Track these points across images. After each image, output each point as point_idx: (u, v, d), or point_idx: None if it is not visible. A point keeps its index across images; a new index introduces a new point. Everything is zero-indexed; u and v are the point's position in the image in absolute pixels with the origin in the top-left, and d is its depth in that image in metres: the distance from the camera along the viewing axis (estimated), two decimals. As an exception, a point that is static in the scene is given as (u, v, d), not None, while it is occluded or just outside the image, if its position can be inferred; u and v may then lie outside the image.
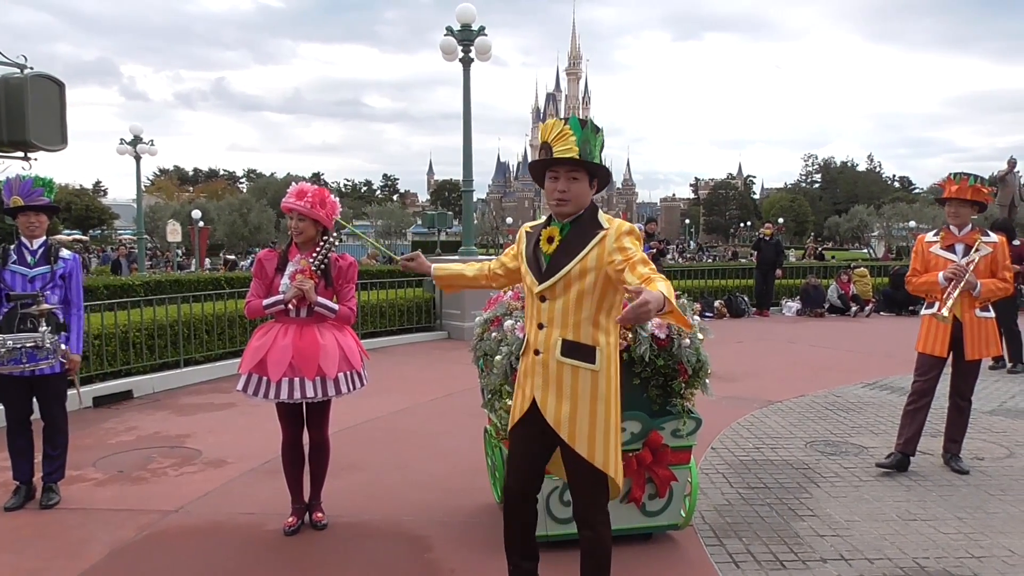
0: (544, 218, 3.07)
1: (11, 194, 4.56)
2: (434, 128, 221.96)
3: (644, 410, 3.90)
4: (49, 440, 4.78)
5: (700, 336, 3.95)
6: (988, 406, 7.20)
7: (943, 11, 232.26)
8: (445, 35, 12.59)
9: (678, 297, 4.03)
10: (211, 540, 4.20)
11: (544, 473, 3.10)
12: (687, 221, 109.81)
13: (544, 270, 2.89)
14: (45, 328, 4.43)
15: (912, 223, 51.05)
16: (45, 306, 4.47)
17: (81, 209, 53.29)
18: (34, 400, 4.75)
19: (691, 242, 66.07)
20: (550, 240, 2.90)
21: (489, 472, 4.75)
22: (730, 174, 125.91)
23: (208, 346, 8.97)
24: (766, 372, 9.09)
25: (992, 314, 5.17)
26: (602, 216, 2.91)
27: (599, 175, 2.89)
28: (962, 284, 4.89)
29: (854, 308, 15.42)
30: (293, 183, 4.25)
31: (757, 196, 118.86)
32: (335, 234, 4.20)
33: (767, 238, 15.98)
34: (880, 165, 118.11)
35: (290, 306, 4.07)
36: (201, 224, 34.38)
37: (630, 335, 3.77)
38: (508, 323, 3.91)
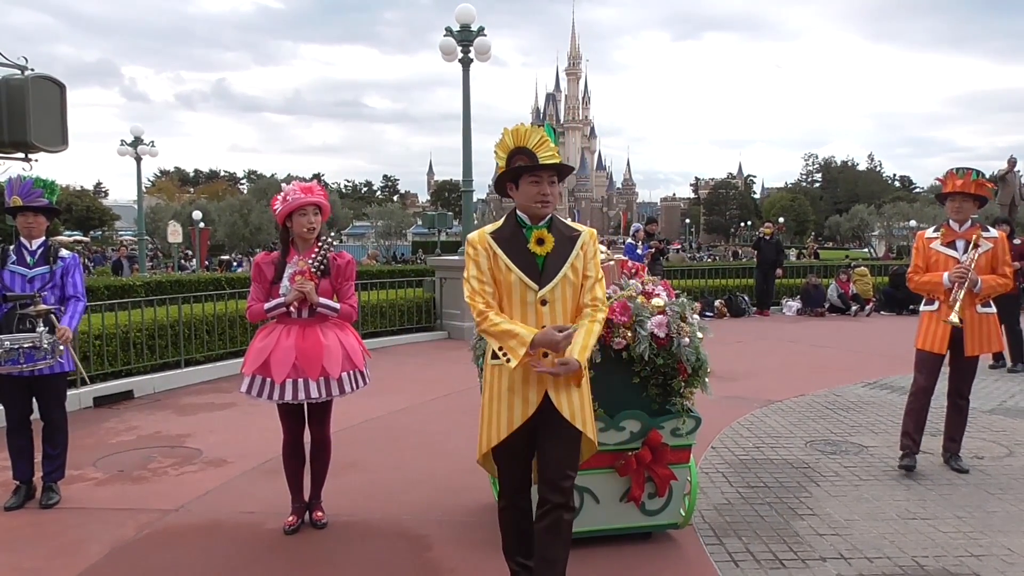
0: (501, 222, 3.12)
1: (11, 194, 4.58)
2: (434, 129, 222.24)
3: (643, 409, 3.91)
4: (49, 440, 4.78)
5: (700, 335, 3.96)
6: (988, 405, 7.20)
7: (943, 10, 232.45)
8: (445, 36, 12.60)
9: (678, 296, 4.06)
10: (211, 539, 4.21)
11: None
12: (687, 221, 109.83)
13: (542, 273, 2.97)
14: (43, 329, 4.43)
15: (912, 222, 51.06)
16: (43, 307, 4.48)
17: (82, 210, 53.37)
18: (34, 400, 4.76)
19: (690, 242, 66.07)
20: (540, 242, 2.98)
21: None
22: (730, 174, 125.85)
23: (209, 346, 8.98)
24: (766, 371, 9.10)
25: (993, 309, 5.16)
26: (569, 221, 3.20)
27: (562, 178, 3.12)
28: (966, 285, 4.88)
29: (854, 307, 15.42)
30: (292, 182, 4.25)
31: (757, 196, 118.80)
32: (332, 233, 4.21)
33: (767, 237, 15.98)
34: (880, 164, 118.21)
35: (292, 308, 4.08)
36: (202, 225, 34.42)
37: (629, 334, 3.77)
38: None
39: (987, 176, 5.20)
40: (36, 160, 6.11)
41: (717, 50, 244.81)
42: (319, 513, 4.38)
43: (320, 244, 4.10)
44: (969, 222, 5.11)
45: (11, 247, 4.66)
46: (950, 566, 3.77)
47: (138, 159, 23.04)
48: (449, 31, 12.59)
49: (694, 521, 4.27)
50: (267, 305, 4.10)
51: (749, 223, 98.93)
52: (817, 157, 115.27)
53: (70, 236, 42.61)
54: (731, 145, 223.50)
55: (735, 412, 6.84)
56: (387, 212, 69.32)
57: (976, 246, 4.99)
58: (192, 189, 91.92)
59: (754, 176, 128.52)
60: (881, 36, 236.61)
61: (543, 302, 2.95)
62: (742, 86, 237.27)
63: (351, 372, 4.20)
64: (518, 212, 3.07)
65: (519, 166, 2.98)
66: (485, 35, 12.68)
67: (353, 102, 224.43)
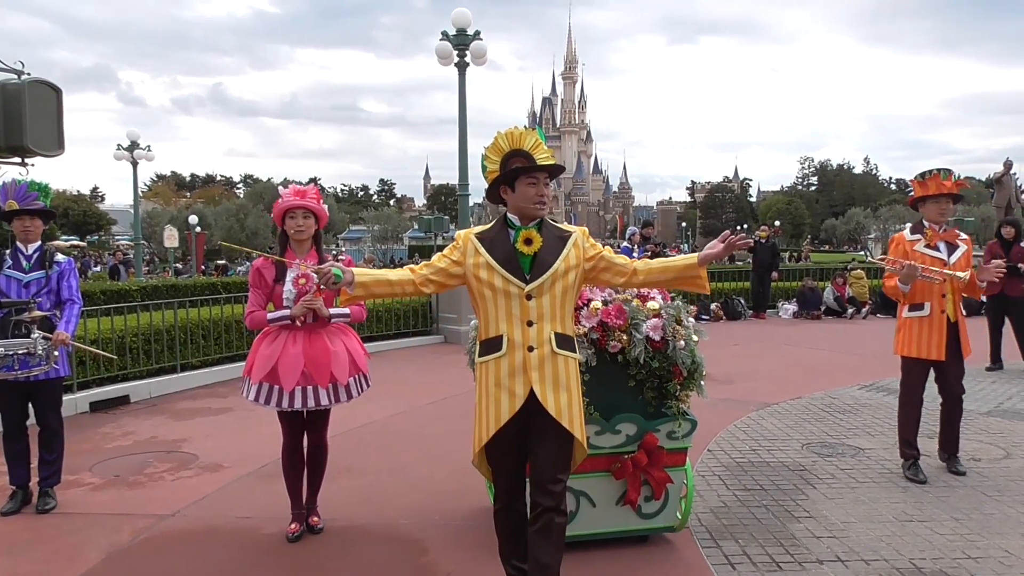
0: (491, 224, 3.17)
1: (7, 198, 4.57)
2: (430, 133, 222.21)
3: (639, 412, 3.91)
4: (45, 445, 4.77)
5: (695, 338, 3.96)
6: (985, 407, 7.22)
7: (937, 13, 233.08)
8: (441, 40, 12.61)
9: (674, 299, 4.07)
10: (207, 544, 4.20)
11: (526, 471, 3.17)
12: (684, 224, 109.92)
13: (531, 269, 3.01)
14: (38, 335, 4.42)
15: (909, 225, 51.14)
16: (38, 313, 4.47)
17: (78, 215, 53.32)
18: (30, 405, 4.75)
19: (684, 245, 66.18)
20: (528, 242, 3.02)
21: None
22: (726, 177, 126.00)
23: (205, 351, 8.96)
24: (762, 374, 9.11)
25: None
26: (560, 224, 3.23)
27: (553, 178, 3.18)
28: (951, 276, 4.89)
29: (850, 310, 15.45)
30: (290, 185, 4.25)
31: (753, 199, 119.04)
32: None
33: (763, 240, 16.02)
34: (876, 168, 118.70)
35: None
36: (198, 229, 34.39)
37: (625, 337, 3.78)
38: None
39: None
40: (32, 164, 6.11)
41: (712, 54, 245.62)
42: (315, 518, 4.37)
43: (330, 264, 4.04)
44: (946, 223, 5.12)
45: (7, 252, 4.66)
46: (947, 568, 3.77)
47: (134, 163, 23.05)
48: (445, 35, 12.60)
49: (690, 524, 4.27)
50: (270, 315, 4.06)
51: (745, 226, 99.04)
52: (813, 160, 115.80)
53: (67, 241, 42.54)
54: (727, 148, 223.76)
55: (731, 415, 6.85)
56: (383, 216, 69.37)
57: (957, 247, 5.00)
58: (188, 193, 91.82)
59: (750, 179, 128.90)
60: (876, 39, 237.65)
61: (528, 296, 2.99)
62: (738, 89, 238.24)
63: (357, 377, 4.21)
64: (509, 215, 3.11)
65: (517, 168, 3.02)
66: (481, 39, 12.69)
67: (349, 106, 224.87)
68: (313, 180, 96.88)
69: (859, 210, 65.67)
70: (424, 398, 7.80)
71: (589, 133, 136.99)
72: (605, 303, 3.86)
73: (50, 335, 4.48)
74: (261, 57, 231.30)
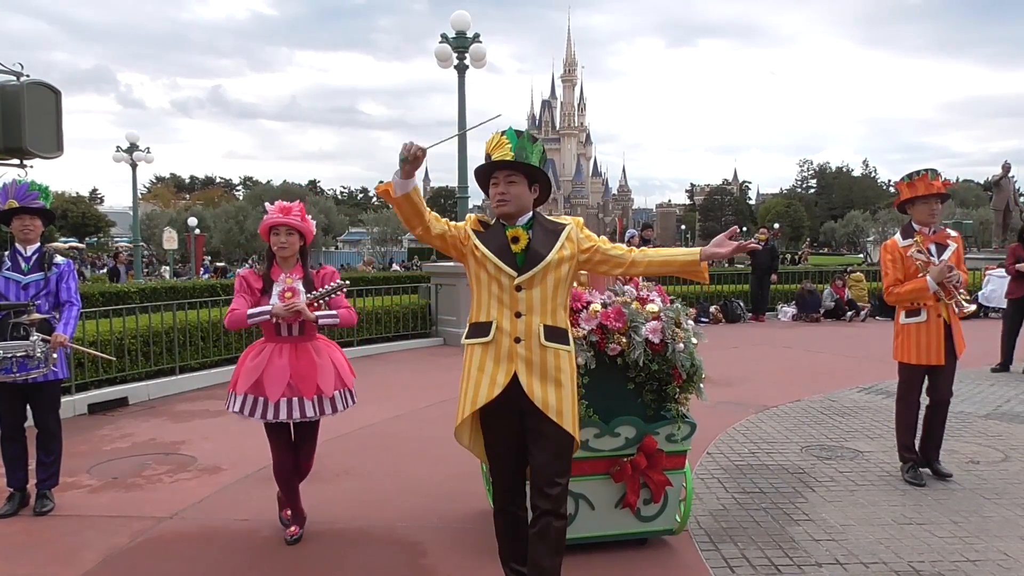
0: (494, 220, 3.19)
1: (7, 198, 4.56)
2: (430, 135, 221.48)
3: (638, 415, 3.90)
4: (43, 447, 4.77)
5: (694, 340, 3.96)
6: (984, 410, 7.22)
7: (935, 16, 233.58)
8: (440, 42, 12.63)
9: (673, 301, 4.07)
10: (205, 546, 4.19)
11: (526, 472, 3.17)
12: (683, 227, 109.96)
13: (524, 261, 3.01)
14: (36, 337, 4.42)
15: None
16: (36, 315, 4.47)
17: (78, 216, 53.31)
18: (28, 407, 4.74)
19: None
20: (516, 240, 3.03)
21: (483, 477, 4.74)
22: (725, 180, 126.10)
23: (203, 353, 8.96)
24: (762, 377, 9.10)
25: None
26: (553, 216, 3.22)
27: (539, 180, 3.11)
28: (954, 279, 4.87)
29: (849, 313, 15.45)
30: (276, 202, 4.24)
31: (753, 201, 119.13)
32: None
33: (762, 243, 16.01)
34: (875, 170, 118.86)
35: (282, 323, 4.05)
36: (197, 232, 34.38)
37: (624, 340, 3.78)
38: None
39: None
40: (31, 166, 6.12)
41: (711, 57, 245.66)
42: (294, 528, 4.28)
43: (330, 287, 4.03)
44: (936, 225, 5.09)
45: (6, 253, 4.65)
46: (946, 571, 3.77)
47: (134, 165, 23.08)
48: (445, 38, 12.61)
49: (690, 527, 4.27)
50: (250, 311, 4.01)
51: (745, 229, 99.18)
52: (812, 163, 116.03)
53: (66, 243, 42.54)
54: (726, 151, 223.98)
55: (730, 418, 6.84)
56: (383, 218, 69.29)
57: (947, 247, 4.98)
58: (188, 196, 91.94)
59: (749, 182, 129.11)
60: (874, 42, 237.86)
61: (518, 288, 3.00)
62: (737, 92, 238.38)
63: (342, 391, 4.20)
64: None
65: (476, 168, 3.12)
66: (480, 42, 12.72)
67: (349, 109, 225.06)
68: (312, 183, 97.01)
69: (858, 213, 65.81)
70: (423, 400, 7.80)
71: (588, 136, 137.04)
72: (604, 305, 3.86)
73: (49, 337, 4.48)
74: (260, 59, 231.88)
